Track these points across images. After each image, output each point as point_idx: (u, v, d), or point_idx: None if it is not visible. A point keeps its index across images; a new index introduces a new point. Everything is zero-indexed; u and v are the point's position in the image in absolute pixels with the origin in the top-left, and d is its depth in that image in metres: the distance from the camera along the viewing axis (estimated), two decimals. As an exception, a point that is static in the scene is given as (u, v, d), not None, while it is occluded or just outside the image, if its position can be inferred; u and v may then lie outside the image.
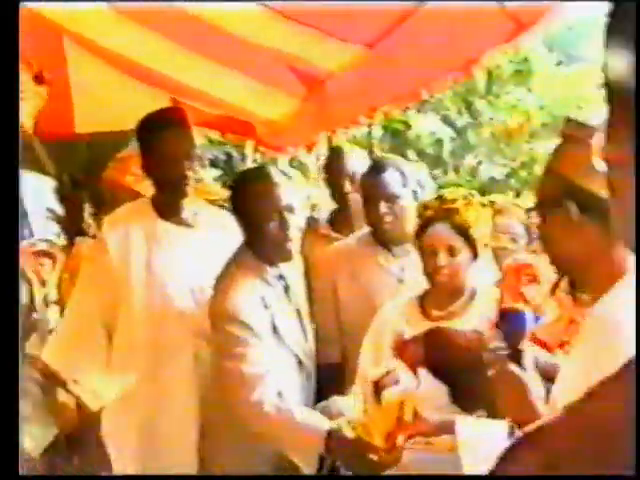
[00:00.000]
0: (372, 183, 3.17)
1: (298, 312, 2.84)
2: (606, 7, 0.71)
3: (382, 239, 3.19)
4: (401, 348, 2.31)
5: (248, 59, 3.46)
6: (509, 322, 2.00)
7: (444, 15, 2.85)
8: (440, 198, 2.64)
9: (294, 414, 2.52)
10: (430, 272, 2.61)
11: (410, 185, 3.18)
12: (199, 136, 5.61)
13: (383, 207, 3.11)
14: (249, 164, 5.80)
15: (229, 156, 6.45)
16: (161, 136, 2.91)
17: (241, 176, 3.03)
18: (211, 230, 3.02)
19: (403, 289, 3.04)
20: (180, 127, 2.96)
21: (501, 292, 2.75)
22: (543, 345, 2.39)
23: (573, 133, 1.76)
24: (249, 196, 2.75)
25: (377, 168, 3.23)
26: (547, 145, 7.56)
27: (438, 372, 2.25)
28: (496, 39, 3.00)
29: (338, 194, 3.73)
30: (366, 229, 3.30)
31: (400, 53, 3.19)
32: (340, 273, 3.26)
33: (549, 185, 1.81)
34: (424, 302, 2.68)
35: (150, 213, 2.96)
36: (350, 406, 2.57)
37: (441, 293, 2.63)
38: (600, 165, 0.89)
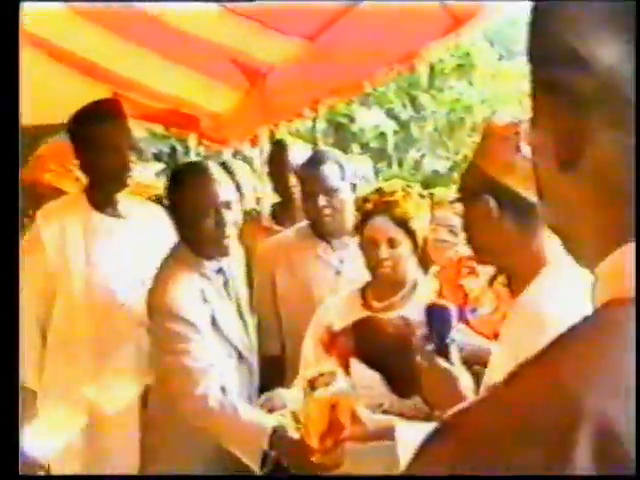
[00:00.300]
0: (310, 176, 3.17)
1: (238, 306, 2.85)
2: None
3: (321, 232, 3.19)
4: (331, 341, 2.32)
5: (191, 52, 3.45)
6: (436, 317, 2.04)
7: (384, 8, 2.88)
8: (379, 191, 2.67)
9: (238, 410, 2.53)
10: (372, 265, 2.64)
11: (348, 178, 3.19)
12: (142, 130, 5.57)
13: (322, 200, 3.11)
14: (193, 158, 5.76)
15: (173, 150, 6.40)
16: (99, 128, 2.90)
17: (177, 171, 3.00)
18: (147, 223, 3.04)
19: (341, 281, 3.07)
20: (117, 118, 2.96)
21: (440, 284, 2.79)
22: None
23: (496, 130, 1.81)
24: (185, 192, 2.73)
25: (315, 161, 3.22)
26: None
27: (370, 361, 2.27)
28: (435, 33, 3.04)
29: (282, 188, 3.73)
30: (306, 221, 3.30)
31: (341, 46, 3.21)
32: (278, 265, 3.25)
33: (471, 179, 1.88)
34: (365, 295, 2.70)
35: (85, 206, 2.96)
36: (294, 398, 2.58)
37: (383, 285, 2.66)
38: (525, 150, 0.90)
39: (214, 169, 2.80)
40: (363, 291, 2.71)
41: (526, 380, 0.62)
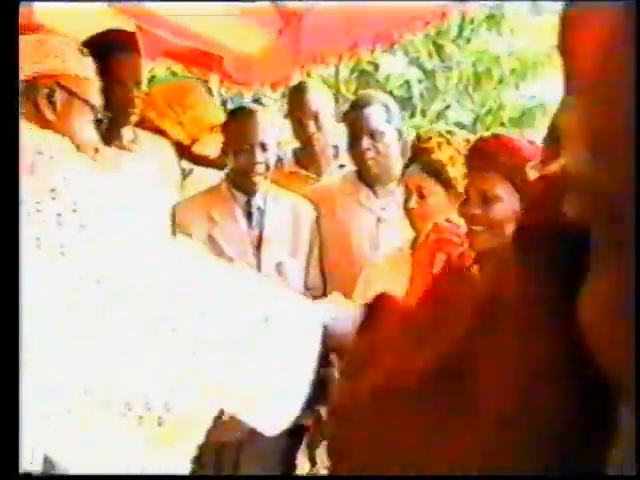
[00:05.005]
0: (355, 118, 3.15)
1: (260, 236, 3.14)
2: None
3: (366, 177, 3.18)
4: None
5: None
6: None
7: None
8: (418, 137, 2.59)
9: None
10: (406, 213, 2.61)
11: (395, 121, 3.15)
12: (162, 68, 5.46)
13: (366, 142, 3.09)
14: (217, 99, 5.70)
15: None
16: (107, 59, 2.88)
17: (230, 112, 3.39)
18: (153, 155, 3.17)
19: (382, 229, 3.05)
20: (127, 51, 2.95)
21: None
22: None
23: None
24: (229, 130, 3.16)
25: (361, 103, 3.21)
26: (514, 92, 7.55)
27: None
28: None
29: (301, 132, 3.64)
30: (351, 168, 3.28)
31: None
32: (321, 209, 3.27)
33: None
34: None
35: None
36: None
37: None
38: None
39: (260, 113, 3.19)
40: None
41: None
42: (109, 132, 2.99)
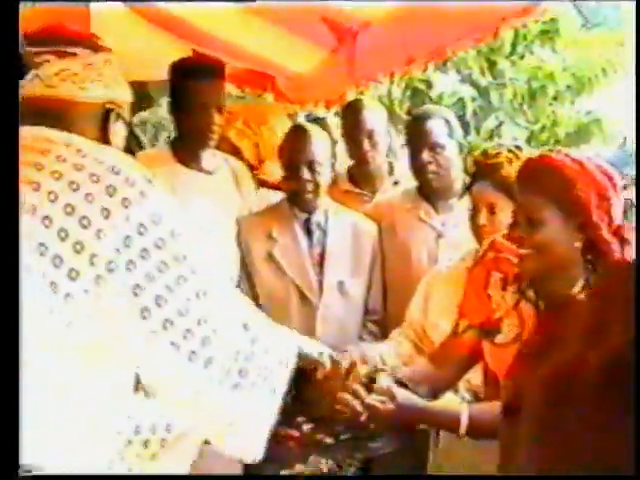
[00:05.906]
0: (416, 131, 3.16)
1: (322, 253, 3.13)
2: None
3: (426, 192, 3.17)
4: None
5: (279, 9, 3.35)
6: None
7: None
8: (484, 153, 2.57)
9: None
10: (474, 230, 2.58)
11: (456, 136, 3.13)
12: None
13: (426, 155, 3.08)
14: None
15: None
16: (190, 83, 2.93)
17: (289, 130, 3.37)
18: (227, 178, 3.21)
19: (442, 245, 3.04)
20: (211, 77, 2.98)
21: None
22: None
23: None
24: (281, 150, 3.19)
25: (422, 117, 3.21)
26: (570, 108, 7.47)
27: None
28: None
29: (356, 150, 3.64)
30: (412, 183, 3.28)
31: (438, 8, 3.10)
32: (382, 225, 3.27)
33: None
34: None
35: (170, 160, 3.04)
36: (383, 351, 2.68)
37: None
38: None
39: (313, 132, 3.17)
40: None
41: None
42: (188, 154, 3.05)
